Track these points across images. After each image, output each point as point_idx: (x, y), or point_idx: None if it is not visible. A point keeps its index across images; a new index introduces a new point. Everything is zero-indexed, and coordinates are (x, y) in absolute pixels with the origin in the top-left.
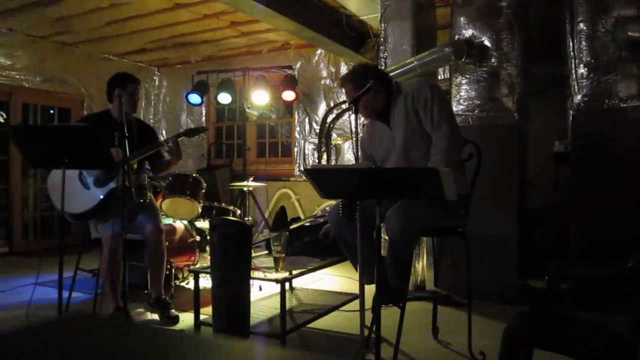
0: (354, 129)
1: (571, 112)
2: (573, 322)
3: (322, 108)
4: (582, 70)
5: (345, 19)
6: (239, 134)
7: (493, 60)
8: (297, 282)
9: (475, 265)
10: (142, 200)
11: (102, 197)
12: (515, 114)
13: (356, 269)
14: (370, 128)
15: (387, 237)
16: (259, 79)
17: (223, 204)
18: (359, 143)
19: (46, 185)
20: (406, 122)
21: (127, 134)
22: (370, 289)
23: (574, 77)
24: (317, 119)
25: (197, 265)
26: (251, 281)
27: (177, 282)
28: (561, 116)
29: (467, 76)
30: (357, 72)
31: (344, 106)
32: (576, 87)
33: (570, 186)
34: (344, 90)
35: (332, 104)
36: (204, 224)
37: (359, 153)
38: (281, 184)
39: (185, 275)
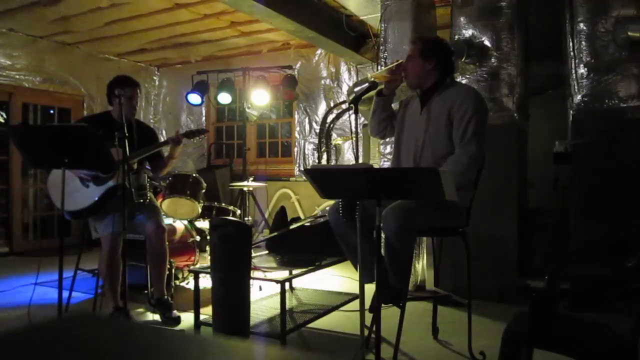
0: (353, 129)
1: (571, 112)
2: (573, 322)
3: (322, 108)
4: (582, 70)
5: (345, 19)
6: (239, 134)
7: (493, 60)
8: (297, 282)
9: (475, 266)
10: (142, 201)
11: (99, 195)
12: (515, 114)
13: (356, 268)
14: (412, 102)
15: None
16: (259, 79)
17: (223, 204)
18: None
19: (46, 184)
20: (433, 121)
21: (127, 134)
22: (370, 289)
23: (574, 77)
24: (317, 119)
25: (197, 265)
26: (251, 281)
27: (177, 282)
28: (561, 116)
29: (467, 76)
30: (431, 41)
31: (343, 106)
32: (576, 87)
33: (570, 186)
34: (411, 46)
35: (332, 104)
36: (204, 224)
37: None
38: (281, 184)
39: (185, 275)
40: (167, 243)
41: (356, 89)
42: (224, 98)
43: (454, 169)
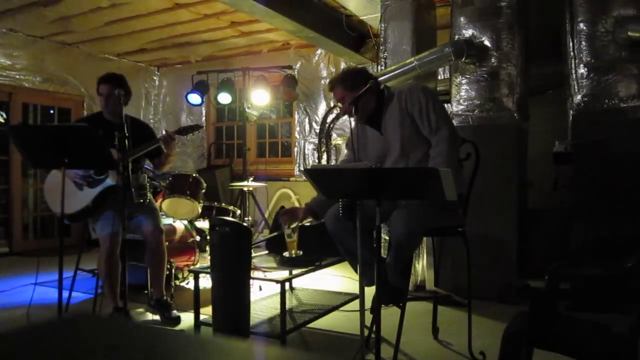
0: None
1: (571, 112)
2: (573, 322)
3: (322, 108)
4: (582, 70)
5: (345, 19)
6: (239, 134)
7: (493, 60)
8: (297, 282)
9: (475, 266)
10: (142, 201)
11: (94, 196)
12: (515, 114)
13: (355, 271)
14: (359, 132)
15: (387, 238)
16: (259, 79)
17: (223, 204)
18: (347, 144)
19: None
20: (399, 129)
21: (127, 134)
22: (370, 289)
23: (574, 77)
24: (317, 119)
25: (197, 265)
26: (251, 281)
27: (177, 282)
28: (561, 116)
29: (467, 76)
30: (348, 75)
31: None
32: (576, 87)
33: (570, 186)
34: (333, 94)
35: (332, 104)
36: (204, 224)
37: (345, 153)
38: (281, 184)
39: (185, 275)
40: (165, 244)
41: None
42: (224, 98)
43: (441, 162)
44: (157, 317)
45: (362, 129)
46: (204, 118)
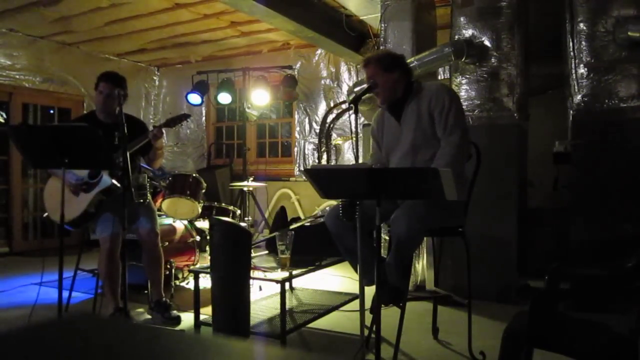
0: (354, 129)
1: (571, 112)
2: (573, 322)
3: (322, 108)
4: (582, 70)
5: (345, 19)
6: (239, 134)
7: (493, 60)
8: (297, 282)
9: (476, 265)
10: (142, 201)
11: (91, 199)
12: (515, 114)
13: (355, 271)
14: (382, 118)
15: (387, 238)
16: (259, 79)
17: (223, 204)
18: (370, 132)
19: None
20: (417, 124)
21: (126, 135)
22: (370, 289)
23: (574, 77)
24: (317, 119)
25: (197, 265)
26: (251, 281)
27: (177, 282)
28: (561, 116)
29: (467, 76)
30: (385, 56)
31: (343, 106)
32: (576, 87)
33: (570, 186)
34: (365, 71)
35: (332, 104)
36: (204, 224)
37: (371, 142)
38: (281, 184)
39: (185, 275)
40: (161, 246)
41: (356, 89)
42: (224, 98)
43: (444, 164)
44: (157, 317)
45: (384, 116)
46: (204, 118)
